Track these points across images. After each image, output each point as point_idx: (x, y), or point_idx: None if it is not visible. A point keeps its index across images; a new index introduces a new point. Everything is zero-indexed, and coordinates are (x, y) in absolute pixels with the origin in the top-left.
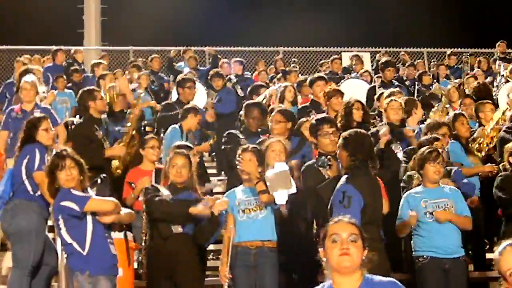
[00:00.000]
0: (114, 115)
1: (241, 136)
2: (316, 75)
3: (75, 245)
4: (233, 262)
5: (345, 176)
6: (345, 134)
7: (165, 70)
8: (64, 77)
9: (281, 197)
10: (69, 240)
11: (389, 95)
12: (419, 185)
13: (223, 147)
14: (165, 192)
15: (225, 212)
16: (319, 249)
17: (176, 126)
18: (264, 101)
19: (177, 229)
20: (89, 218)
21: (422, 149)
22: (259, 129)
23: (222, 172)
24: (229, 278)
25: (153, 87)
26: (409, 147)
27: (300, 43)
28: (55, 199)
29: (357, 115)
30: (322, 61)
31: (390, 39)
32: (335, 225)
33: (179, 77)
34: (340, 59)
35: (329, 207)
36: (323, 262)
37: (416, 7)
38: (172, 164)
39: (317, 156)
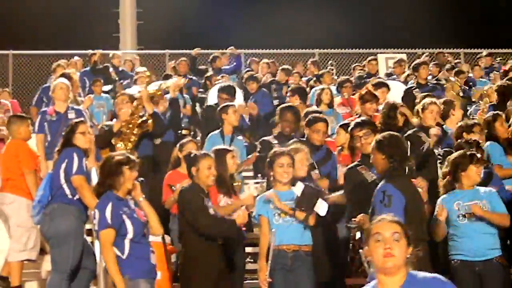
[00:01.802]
0: None
1: (274, 142)
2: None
3: (114, 249)
4: (271, 266)
5: (384, 178)
6: (378, 137)
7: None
8: (102, 81)
9: (322, 208)
10: None
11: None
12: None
13: (257, 153)
14: (208, 202)
15: (257, 216)
16: (363, 248)
17: (216, 132)
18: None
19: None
20: (128, 222)
21: (462, 151)
22: (292, 133)
23: (259, 175)
24: (269, 282)
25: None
26: (445, 149)
27: (336, 45)
28: (98, 202)
29: (401, 120)
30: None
31: (427, 40)
32: (378, 224)
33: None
34: (376, 60)
35: (370, 209)
36: (367, 261)
37: (452, 7)
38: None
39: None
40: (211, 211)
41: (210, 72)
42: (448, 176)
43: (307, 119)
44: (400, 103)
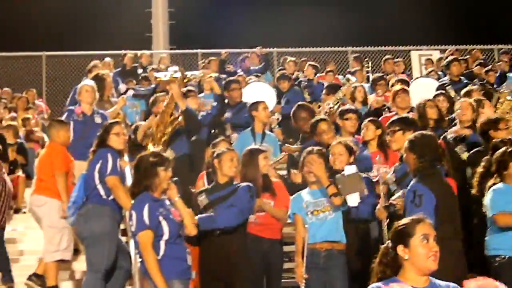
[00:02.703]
0: None
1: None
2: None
3: None
4: (306, 263)
5: (415, 177)
6: (410, 136)
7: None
8: (134, 81)
9: (353, 199)
10: None
11: (465, 94)
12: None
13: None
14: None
15: (292, 215)
16: (399, 246)
17: (247, 130)
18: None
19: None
20: (164, 223)
21: (502, 150)
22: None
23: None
24: (305, 278)
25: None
26: (475, 150)
27: (368, 42)
28: (135, 204)
29: (431, 112)
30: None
31: (459, 37)
32: (423, 225)
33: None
34: (409, 58)
35: (403, 209)
36: (401, 258)
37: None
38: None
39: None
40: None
41: (239, 73)
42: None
43: (338, 111)
44: (425, 98)
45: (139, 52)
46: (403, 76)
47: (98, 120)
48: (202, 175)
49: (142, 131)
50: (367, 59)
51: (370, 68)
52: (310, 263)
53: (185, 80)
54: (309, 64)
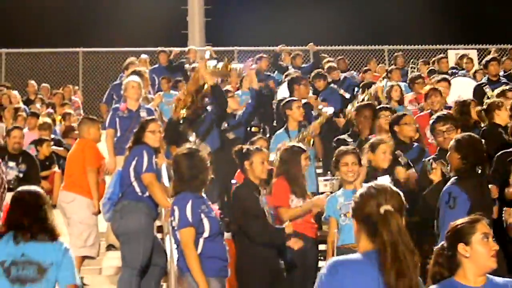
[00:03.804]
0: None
1: (349, 140)
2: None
3: None
4: None
5: (453, 178)
6: (458, 136)
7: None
8: (170, 78)
9: None
10: None
11: (500, 94)
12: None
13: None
14: (262, 198)
15: (328, 217)
16: (459, 244)
17: (281, 130)
18: (367, 99)
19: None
20: (205, 220)
21: None
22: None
23: (328, 172)
24: None
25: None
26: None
27: (405, 41)
28: (178, 200)
29: (475, 114)
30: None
31: (497, 36)
32: (483, 225)
33: (293, 74)
34: (447, 57)
35: (437, 208)
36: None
37: None
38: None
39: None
40: (265, 211)
41: (291, 70)
42: None
43: (393, 117)
44: (471, 98)
45: (186, 48)
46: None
47: (143, 114)
48: None
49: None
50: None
51: (416, 66)
52: None
53: (228, 68)
54: (330, 67)
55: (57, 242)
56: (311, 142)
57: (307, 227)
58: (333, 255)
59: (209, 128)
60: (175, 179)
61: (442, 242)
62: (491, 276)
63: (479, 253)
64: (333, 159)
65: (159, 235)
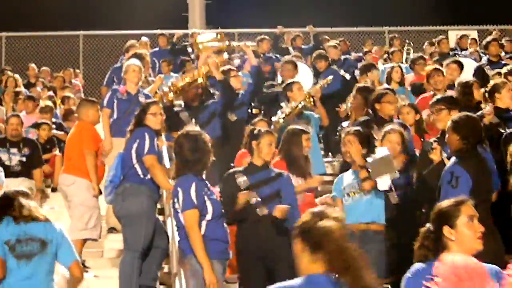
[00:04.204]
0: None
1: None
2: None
3: None
4: None
5: (454, 158)
6: (455, 117)
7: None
8: (170, 61)
9: (383, 183)
10: None
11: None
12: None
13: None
14: (241, 178)
15: (334, 197)
16: (444, 226)
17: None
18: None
19: (263, 211)
20: (208, 203)
21: None
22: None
23: (330, 154)
24: None
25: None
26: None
27: (404, 22)
28: (181, 182)
29: (478, 94)
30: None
31: (498, 17)
32: (467, 206)
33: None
34: (447, 38)
35: (438, 188)
36: (447, 240)
37: None
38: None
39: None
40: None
41: (292, 52)
42: None
43: (375, 94)
44: (473, 79)
45: (190, 31)
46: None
47: (142, 99)
48: (246, 154)
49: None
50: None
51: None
52: None
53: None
54: (329, 46)
55: (53, 223)
56: (312, 101)
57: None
58: None
59: (210, 117)
60: (177, 162)
61: (428, 225)
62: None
63: (464, 235)
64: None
65: (160, 217)
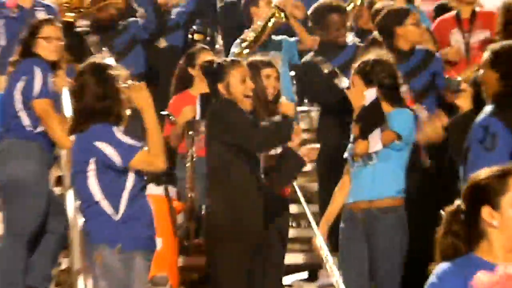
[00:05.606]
0: None
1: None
2: None
3: (105, 204)
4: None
5: (490, 106)
6: (495, 47)
7: None
8: None
9: (374, 141)
10: (98, 196)
11: None
12: None
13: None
14: None
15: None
16: (483, 207)
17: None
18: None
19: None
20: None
21: None
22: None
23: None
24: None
25: None
26: None
27: None
28: (86, 134)
29: None
30: None
31: None
32: None
33: None
34: None
35: (464, 149)
36: (487, 225)
37: None
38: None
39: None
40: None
41: None
42: None
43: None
44: None
45: None
46: None
47: (41, 15)
48: (192, 98)
49: None
50: None
51: None
52: (348, 230)
53: None
54: None
55: None
56: (282, 16)
57: None
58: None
59: (130, 44)
60: (76, 109)
61: (458, 203)
62: None
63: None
64: None
65: (57, 190)
